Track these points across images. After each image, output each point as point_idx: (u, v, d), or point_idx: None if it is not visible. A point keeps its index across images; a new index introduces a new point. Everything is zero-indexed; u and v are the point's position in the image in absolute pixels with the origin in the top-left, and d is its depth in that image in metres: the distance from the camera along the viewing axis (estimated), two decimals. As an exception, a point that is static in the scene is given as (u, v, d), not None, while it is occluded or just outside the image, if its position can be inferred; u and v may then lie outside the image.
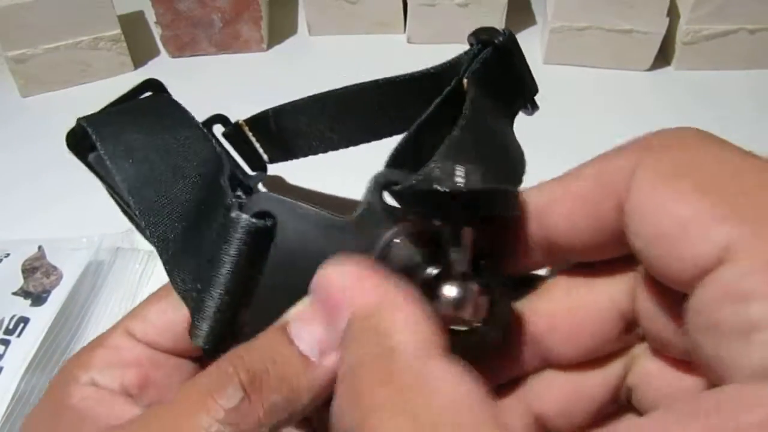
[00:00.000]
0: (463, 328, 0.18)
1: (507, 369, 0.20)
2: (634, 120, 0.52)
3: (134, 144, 0.24)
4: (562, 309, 0.19)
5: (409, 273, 0.19)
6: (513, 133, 0.25)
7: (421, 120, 0.23)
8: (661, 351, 0.19)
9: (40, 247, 0.40)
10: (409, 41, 0.60)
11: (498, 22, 0.58)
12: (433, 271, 0.18)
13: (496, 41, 0.24)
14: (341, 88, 0.34)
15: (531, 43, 0.60)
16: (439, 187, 0.17)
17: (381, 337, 0.17)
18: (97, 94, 0.31)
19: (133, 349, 0.23)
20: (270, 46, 0.61)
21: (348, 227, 0.21)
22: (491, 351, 0.19)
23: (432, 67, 0.28)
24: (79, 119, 0.25)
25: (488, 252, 0.19)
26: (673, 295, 0.16)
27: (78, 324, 0.38)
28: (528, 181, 0.22)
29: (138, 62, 0.60)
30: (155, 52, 0.61)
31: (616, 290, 0.19)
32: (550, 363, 0.20)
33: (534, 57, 0.59)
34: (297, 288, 0.20)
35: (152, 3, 0.56)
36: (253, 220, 0.21)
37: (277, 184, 0.47)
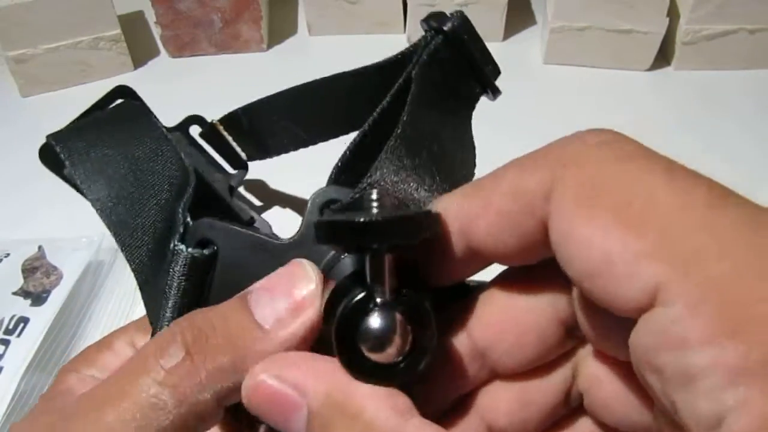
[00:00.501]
0: (393, 360, 0.17)
1: (456, 387, 0.20)
2: (634, 120, 0.52)
3: (105, 160, 0.23)
4: (504, 319, 0.19)
5: (341, 296, 0.18)
6: (467, 125, 0.24)
7: (365, 126, 0.23)
8: (605, 353, 0.19)
9: (40, 247, 0.40)
10: (409, 41, 0.60)
11: (498, 22, 0.59)
12: (358, 294, 0.17)
13: (445, 28, 0.23)
14: (303, 83, 0.32)
15: (531, 43, 0.60)
16: (342, 219, 0.17)
17: (354, 416, 0.16)
18: (97, 94, 0.31)
19: None
20: (270, 46, 0.61)
21: (288, 249, 0.21)
22: (427, 376, 0.18)
23: (394, 55, 0.26)
24: (48, 136, 0.25)
25: (412, 273, 0.18)
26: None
27: (78, 324, 0.38)
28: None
29: (138, 62, 0.60)
30: (155, 52, 0.61)
31: (554, 296, 0.19)
32: (497, 374, 0.20)
33: (534, 57, 0.59)
34: None
35: (152, 3, 0.56)
36: (192, 251, 0.21)
37: (258, 188, 0.47)
